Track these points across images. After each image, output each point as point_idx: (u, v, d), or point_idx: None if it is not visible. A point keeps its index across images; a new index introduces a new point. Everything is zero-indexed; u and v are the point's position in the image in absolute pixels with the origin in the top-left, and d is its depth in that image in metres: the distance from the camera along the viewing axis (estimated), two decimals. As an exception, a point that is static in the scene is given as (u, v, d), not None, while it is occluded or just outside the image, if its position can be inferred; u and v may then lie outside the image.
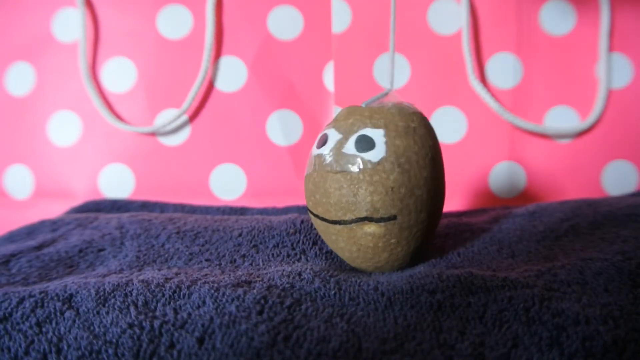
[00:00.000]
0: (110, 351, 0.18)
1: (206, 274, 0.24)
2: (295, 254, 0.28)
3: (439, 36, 0.43)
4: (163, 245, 0.29)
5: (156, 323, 0.19)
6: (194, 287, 0.21)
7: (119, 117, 0.45)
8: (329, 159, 0.24)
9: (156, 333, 0.18)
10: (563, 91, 0.43)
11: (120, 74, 0.45)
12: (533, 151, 0.43)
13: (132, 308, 0.20)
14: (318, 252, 0.28)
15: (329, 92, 0.44)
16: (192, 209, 0.42)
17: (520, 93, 0.43)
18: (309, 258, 0.28)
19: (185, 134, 0.44)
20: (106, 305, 0.20)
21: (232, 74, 0.44)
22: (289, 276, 0.23)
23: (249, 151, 0.44)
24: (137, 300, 0.21)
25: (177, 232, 0.31)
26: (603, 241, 0.26)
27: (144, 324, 0.19)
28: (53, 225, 0.34)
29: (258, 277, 0.23)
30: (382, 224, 0.23)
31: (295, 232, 0.29)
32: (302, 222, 0.30)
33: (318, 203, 0.25)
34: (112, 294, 0.21)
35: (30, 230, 0.33)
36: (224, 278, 0.23)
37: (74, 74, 0.45)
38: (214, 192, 0.44)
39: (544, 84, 0.43)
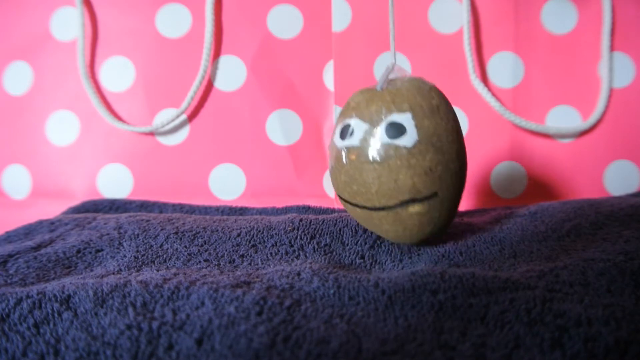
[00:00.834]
0: (109, 352, 0.18)
1: (205, 275, 0.24)
2: (294, 251, 0.28)
3: (440, 35, 0.43)
4: (161, 245, 0.29)
5: (154, 324, 0.19)
6: (193, 288, 0.21)
7: (117, 116, 0.44)
8: (361, 150, 0.24)
9: (155, 334, 0.18)
10: (565, 90, 0.43)
11: (118, 73, 0.44)
12: (534, 151, 0.43)
13: (130, 309, 0.20)
14: (316, 247, 0.28)
15: (329, 92, 0.44)
16: (191, 209, 0.42)
17: (521, 92, 0.43)
18: (307, 254, 0.28)
19: (184, 134, 0.44)
20: (104, 306, 0.20)
21: (232, 73, 0.44)
22: (288, 276, 0.23)
23: (248, 151, 0.44)
24: (136, 301, 0.21)
25: (176, 233, 0.30)
26: (605, 241, 0.26)
27: (142, 325, 0.19)
28: (51, 225, 0.34)
29: (257, 277, 0.23)
30: (425, 202, 0.24)
31: (294, 229, 0.29)
32: (300, 220, 0.30)
33: (357, 193, 0.25)
34: (110, 295, 0.21)
35: (28, 231, 0.33)
36: (222, 279, 0.23)
37: (72, 73, 0.44)
38: (213, 192, 0.44)
39: (546, 83, 0.43)
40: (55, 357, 0.18)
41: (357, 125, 0.25)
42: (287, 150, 0.44)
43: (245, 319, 0.19)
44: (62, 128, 0.45)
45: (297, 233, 0.29)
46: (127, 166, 0.44)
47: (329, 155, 0.27)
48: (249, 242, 0.29)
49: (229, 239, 0.29)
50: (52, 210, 0.42)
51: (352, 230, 0.29)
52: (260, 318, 0.19)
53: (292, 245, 0.28)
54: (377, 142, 0.24)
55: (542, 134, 0.43)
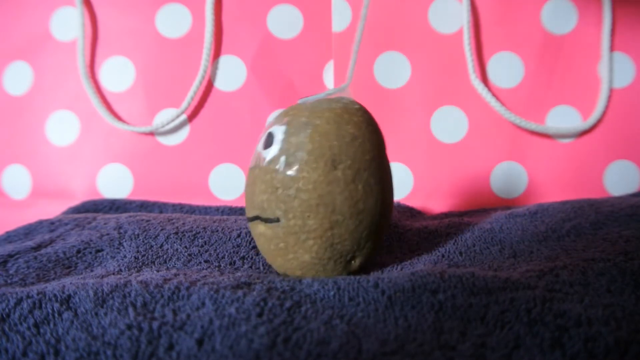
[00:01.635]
0: (109, 352, 0.18)
1: (205, 275, 0.24)
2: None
3: (440, 35, 0.43)
4: (162, 246, 0.29)
5: (155, 324, 0.19)
6: (193, 289, 0.21)
7: (117, 116, 0.44)
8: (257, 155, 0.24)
9: (155, 334, 0.18)
10: (565, 90, 0.43)
11: (118, 73, 0.44)
12: (534, 151, 0.43)
13: (130, 309, 0.20)
14: None
15: (329, 92, 0.44)
16: (191, 209, 0.42)
17: (521, 92, 0.43)
18: None
19: (184, 134, 0.44)
20: (104, 306, 0.20)
21: (232, 73, 0.44)
22: (288, 278, 0.23)
23: (248, 151, 0.44)
24: (136, 301, 0.21)
25: (176, 233, 0.30)
26: (605, 241, 0.26)
27: (142, 325, 0.19)
28: (51, 225, 0.34)
29: (258, 278, 0.23)
30: (269, 224, 0.23)
31: None
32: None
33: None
34: (111, 295, 0.21)
35: (28, 231, 0.33)
36: (223, 279, 0.23)
37: (72, 73, 0.44)
38: (213, 192, 0.44)
39: (546, 83, 0.43)
40: (55, 357, 0.18)
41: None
42: (287, 150, 0.44)
43: (246, 320, 0.19)
44: (62, 128, 0.45)
45: None
46: (127, 166, 0.44)
47: None
48: (250, 243, 0.29)
49: (229, 239, 0.29)
50: (52, 210, 0.42)
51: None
52: (260, 319, 0.19)
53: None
54: (256, 149, 0.24)
55: (542, 134, 0.43)
